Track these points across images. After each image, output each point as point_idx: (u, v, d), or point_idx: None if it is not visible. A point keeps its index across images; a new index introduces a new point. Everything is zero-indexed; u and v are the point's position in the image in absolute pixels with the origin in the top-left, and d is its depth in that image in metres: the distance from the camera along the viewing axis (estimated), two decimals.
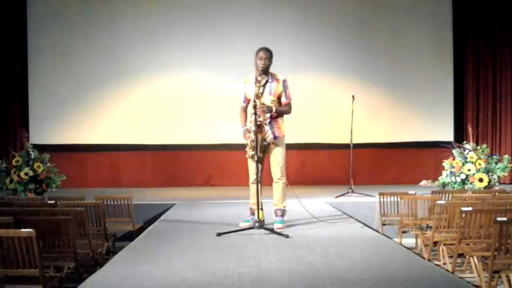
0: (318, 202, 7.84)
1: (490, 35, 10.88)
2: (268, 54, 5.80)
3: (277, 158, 5.86)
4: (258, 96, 5.70)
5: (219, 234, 5.36)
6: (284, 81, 5.89)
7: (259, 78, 5.78)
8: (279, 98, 5.87)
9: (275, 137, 5.85)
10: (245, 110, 6.02)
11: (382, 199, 6.86)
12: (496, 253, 4.26)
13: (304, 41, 10.88)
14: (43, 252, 4.31)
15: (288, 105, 5.93)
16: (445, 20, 11.04)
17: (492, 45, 10.88)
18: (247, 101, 5.97)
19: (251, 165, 5.87)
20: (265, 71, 5.82)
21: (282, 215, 5.91)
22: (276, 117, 5.89)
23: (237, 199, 7.88)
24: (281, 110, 5.89)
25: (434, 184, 9.45)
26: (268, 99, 5.80)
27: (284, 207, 5.95)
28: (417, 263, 4.34)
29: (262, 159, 5.90)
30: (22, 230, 3.97)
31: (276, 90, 5.85)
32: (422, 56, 11.03)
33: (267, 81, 5.82)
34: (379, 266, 4.19)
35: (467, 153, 8.15)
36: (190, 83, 10.87)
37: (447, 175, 8.20)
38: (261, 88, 5.76)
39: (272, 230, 5.49)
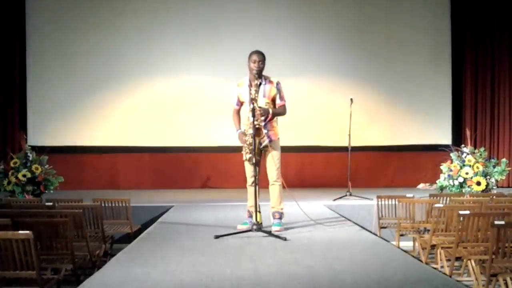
0: (316, 205, 7.84)
1: (489, 38, 10.89)
2: (261, 57, 5.81)
3: (273, 160, 5.87)
4: (254, 99, 5.71)
5: (217, 237, 5.36)
6: (278, 83, 5.91)
7: (255, 82, 5.80)
8: (273, 100, 5.89)
9: (270, 140, 5.86)
10: (238, 113, 6.04)
11: (380, 202, 6.87)
12: (493, 256, 4.27)
13: (302, 44, 10.88)
14: (40, 254, 4.32)
15: (283, 107, 5.95)
16: (444, 23, 11.05)
17: (490, 48, 10.89)
18: (240, 104, 5.99)
19: (248, 168, 5.88)
20: (259, 74, 5.83)
21: (280, 218, 5.91)
22: (271, 119, 5.89)
23: (235, 201, 7.86)
24: (276, 112, 5.90)
25: (432, 188, 9.46)
26: (262, 102, 5.82)
27: (282, 209, 5.95)
28: (415, 266, 4.34)
29: (259, 162, 5.91)
30: (20, 232, 3.97)
31: (270, 92, 5.86)
32: (421, 59, 11.04)
33: (260, 84, 5.83)
34: (377, 269, 4.19)
35: (465, 157, 8.17)
36: (188, 86, 10.86)
37: (445, 178, 8.20)
38: (256, 92, 5.78)
39: (270, 233, 5.49)
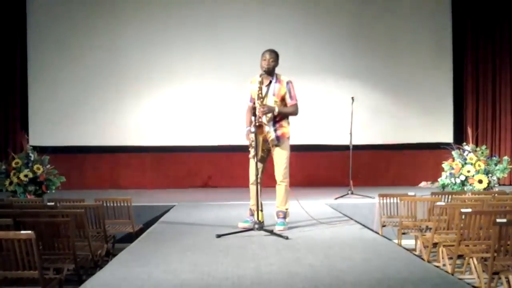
0: (317, 204, 7.84)
1: (490, 36, 10.88)
2: (272, 55, 5.82)
3: (280, 160, 5.86)
4: (259, 96, 5.73)
5: (218, 236, 5.36)
6: (288, 82, 5.89)
7: (259, 79, 5.80)
8: (282, 99, 5.87)
9: (278, 139, 5.85)
10: (251, 110, 6.01)
11: (381, 201, 6.86)
12: (495, 254, 4.26)
13: (304, 43, 10.87)
14: (42, 254, 4.32)
15: (294, 106, 5.91)
16: (445, 22, 11.04)
17: (491, 46, 10.89)
18: (253, 100, 5.96)
19: (253, 166, 5.85)
20: (269, 72, 5.83)
21: (284, 217, 5.91)
22: (281, 119, 5.87)
23: (237, 200, 7.87)
24: (285, 111, 5.87)
25: (434, 186, 9.45)
26: (271, 100, 5.81)
27: (287, 209, 5.94)
28: (417, 265, 4.34)
29: (265, 159, 5.90)
30: (22, 232, 3.97)
31: (280, 91, 5.85)
32: (422, 58, 11.03)
33: (270, 82, 5.83)
34: (379, 267, 4.19)
35: (467, 155, 8.16)
36: (190, 85, 10.86)
37: (446, 176, 8.20)
38: (265, 89, 5.79)
39: (271, 232, 5.49)
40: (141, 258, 4.59)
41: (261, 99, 5.74)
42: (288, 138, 5.94)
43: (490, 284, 4.31)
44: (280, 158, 5.87)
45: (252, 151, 5.77)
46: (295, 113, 5.95)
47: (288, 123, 5.96)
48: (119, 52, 10.80)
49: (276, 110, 5.80)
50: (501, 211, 5.13)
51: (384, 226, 6.87)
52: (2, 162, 8.28)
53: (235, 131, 6.07)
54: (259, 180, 5.70)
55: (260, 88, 5.76)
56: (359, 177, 9.55)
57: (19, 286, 4.04)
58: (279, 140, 5.86)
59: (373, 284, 3.74)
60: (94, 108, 10.76)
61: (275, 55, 5.83)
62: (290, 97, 5.88)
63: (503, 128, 10.87)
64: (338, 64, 10.93)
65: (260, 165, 5.79)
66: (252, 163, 5.85)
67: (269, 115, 5.77)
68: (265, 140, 5.81)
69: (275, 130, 5.84)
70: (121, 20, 10.84)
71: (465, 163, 8.09)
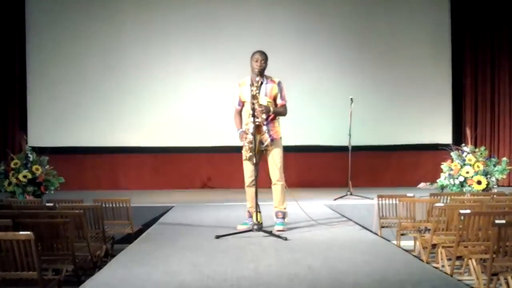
0: (316, 205, 7.84)
1: (488, 37, 10.90)
2: (263, 56, 5.84)
3: (275, 160, 5.87)
4: (254, 97, 5.73)
5: (217, 237, 5.36)
6: (279, 83, 5.92)
7: (256, 80, 5.81)
8: (274, 99, 5.90)
9: (272, 140, 5.86)
10: (239, 113, 6.04)
11: (380, 202, 6.86)
12: (494, 255, 4.27)
13: (303, 43, 10.88)
14: (41, 254, 4.31)
15: (284, 106, 5.96)
16: (444, 23, 11.05)
17: (490, 47, 10.90)
18: (242, 103, 5.99)
19: (247, 168, 5.88)
20: (261, 73, 5.84)
21: (283, 217, 5.92)
22: (273, 119, 5.90)
23: (236, 201, 7.86)
24: (277, 111, 5.91)
25: (433, 187, 9.45)
26: (264, 101, 5.83)
27: (285, 209, 5.95)
28: (416, 266, 4.34)
29: (258, 161, 5.91)
30: (21, 233, 3.97)
31: (272, 91, 5.88)
32: (421, 59, 11.04)
33: (262, 83, 5.85)
34: (378, 268, 4.19)
35: (466, 156, 8.17)
36: (189, 86, 10.87)
37: (445, 177, 8.20)
38: (257, 90, 5.80)
39: (270, 233, 5.49)
40: (140, 259, 4.58)
41: (256, 100, 5.75)
42: (281, 138, 5.98)
43: (489, 285, 4.31)
44: (275, 158, 5.88)
45: (247, 153, 5.77)
46: (285, 113, 6.00)
47: (279, 123, 6.00)
48: (118, 53, 10.79)
49: (271, 110, 5.82)
50: (500, 212, 5.12)
51: (383, 227, 6.87)
52: (1, 162, 8.27)
53: (234, 132, 6.06)
54: (256, 182, 5.71)
55: (256, 88, 5.77)
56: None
57: (18, 287, 4.03)
58: (273, 141, 5.87)
59: (372, 285, 3.74)
60: (93, 108, 10.75)
61: (265, 56, 5.86)
62: (281, 97, 5.92)
63: (502, 129, 10.88)
64: (337, 65, 10.93)
65: (256, 167, 5.80)
66: (246, 165, 5.86)
67: (264, 115, 5.79)
68: (260, 142, 5.83)
69: (269, 131, 5.86)
70: (120, 21, 10.84)
71: (464, 164, 8.10)
